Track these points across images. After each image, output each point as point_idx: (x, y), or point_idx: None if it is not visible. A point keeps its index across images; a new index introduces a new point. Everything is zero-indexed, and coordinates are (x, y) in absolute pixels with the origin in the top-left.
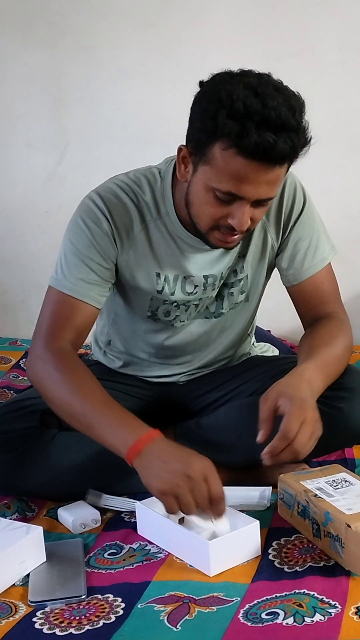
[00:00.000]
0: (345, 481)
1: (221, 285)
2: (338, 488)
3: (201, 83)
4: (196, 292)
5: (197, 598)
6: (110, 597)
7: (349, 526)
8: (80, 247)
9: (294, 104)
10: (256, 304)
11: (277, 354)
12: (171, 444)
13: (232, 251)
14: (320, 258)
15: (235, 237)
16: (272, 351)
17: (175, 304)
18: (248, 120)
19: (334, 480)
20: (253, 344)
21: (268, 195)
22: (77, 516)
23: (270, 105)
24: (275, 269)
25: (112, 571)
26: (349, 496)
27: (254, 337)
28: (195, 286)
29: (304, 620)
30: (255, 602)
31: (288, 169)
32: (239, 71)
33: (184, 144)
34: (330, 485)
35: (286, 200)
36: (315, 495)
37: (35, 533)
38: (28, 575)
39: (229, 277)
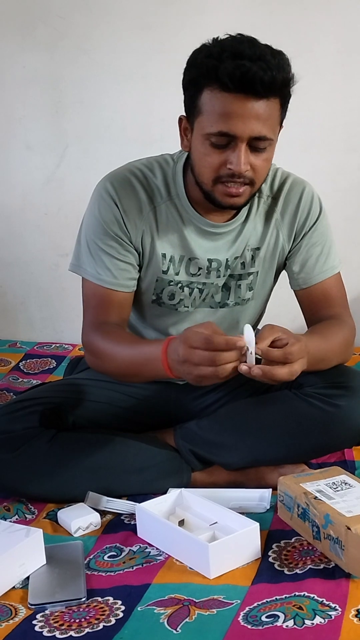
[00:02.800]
0: (345, 483)
1: (228, 276)
2: (338, 490)
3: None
4: (199, 274)
5: (197, 600)
6: (110, 599)
7: (349, 529)
8: (98, 237)
9: (274, 52)
10: (262, 305)
11: None
12: (176, 342)
13: (239, 240)
14: (330, 265)
15: (241, 189)
16: None
17: (179, 284)
18: (223, 53)
19: (334, 483)
20: None
21: (260, 132)
22: (77, 519)
23: (246, 44)
24: (283, 274)
25: (112, 574)
26: (349, 498)
27: None
28: (199, 268)
29: (304, 623)
30: (255, 604)
31: (281, 113)
32: None
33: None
34: (330, 488)
35: (302, 206)
36: (315, 497)
37: (35, 535)
38: (28, 577)
39: (236, 268)
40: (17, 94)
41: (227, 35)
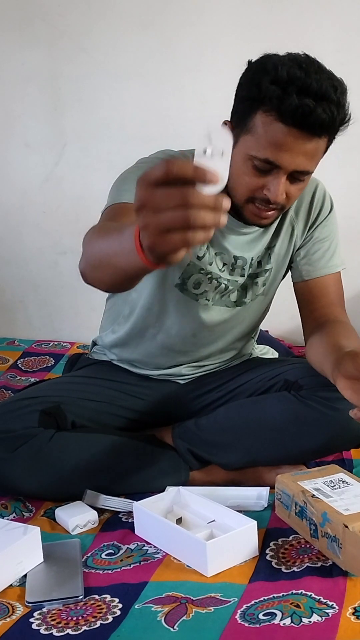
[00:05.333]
0: (343, 481)
1: (247, 277)
2: (336, 488)
3: (249, 61)
4: (224, 270)
5: (194, 598)
6: (108, 597)
7: (346, 527)
8: (134, 176)
9: (336, 84)
10: (269, 302)
11: (277, 356)
12: None
13: (262, 241)
14: (334, 263)
15: (270, 213)
16: (271, 353)
17: (209, 275)
18: (290, 85)
19: (332, 481)
20: (254, 346)
21: (305, 168)
22: (75, 517)
23: (313, 77)
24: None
25: (110, 572)
26: (346, 497)
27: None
28: (224, 264)
29: (301, 621)
30: (252, 602)
31: (326, 148)
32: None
33: (228, 119)
34: (328, 486)
35: (316, 201)
36: (313, 495)
37: (32, 533)
38: (25, 575)
39: (255, 268)
40: (15, 91)
41: (288, 54)
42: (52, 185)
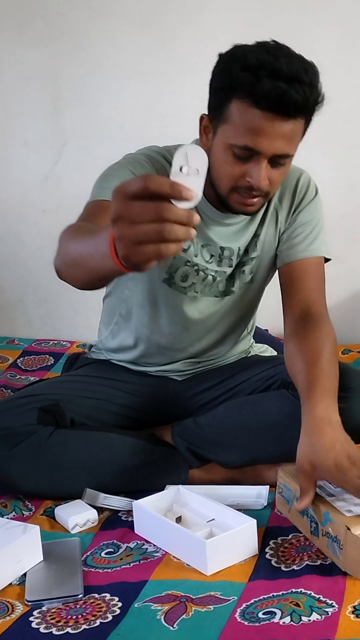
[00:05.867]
0: None
1: (235, 266)
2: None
3: (220, 54)
4: (212, 262)
5: (194, 597)
6: (107, 596)
7: (348, 529)
8: (118, 172)
9: (307, 66)
10: (258, 289)
11: (275, 355)
12: None
13: (248, 230)
14: (316, 247)
15: (255, 200)
16: (270, 352)
17: (196, 267)
18: (261, 70)
19: None
20: (252, 344)
21: (284, 151)
22: (74, 515)
23: (283, 60)
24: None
25: (109, 570)
26: (349, 496)
27: (252, 339)
28: (212, 255)
29: (300, 620)
30: (252, 601)
31: (304, 130)
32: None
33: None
34: (331, 483)
35: (300, 188)
36: (316, 493)
37: (32, 532)
38: (25, 574)
39: (242, 256)
40: (15, 90)
41: (257, 42)
42: (52, 185)
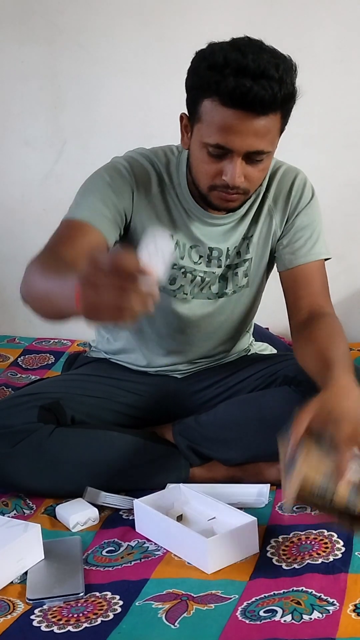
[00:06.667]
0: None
1: (226, 267)
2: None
3: (196, 52)
4: (200, 263)
5: (195, 595)
6: (108, 594)
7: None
8: (97, 188)
9: (279, 61)
10: (255, 293)
11: (276, 352)
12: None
13: (237, 231)
14: (317, 251)
15: (234, 197)
16: (269, 350)
17: (183, 269)
18: (226, 68)
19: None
20: (252, 342)
21: (258, 147)
22: (75, 514)
23: (250, 57)
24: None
25: (110, 569)
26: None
27: (252, 337)
28: (200, 257)
29: (302, 618)
30: (253, 599)
31: (282, 126)
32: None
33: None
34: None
35: (295, 191)
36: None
37: (33, 531)
38: (26, 573)
39: (234, 258)
40: (14, 89)
41: (231, 39)
42: (52, 183)
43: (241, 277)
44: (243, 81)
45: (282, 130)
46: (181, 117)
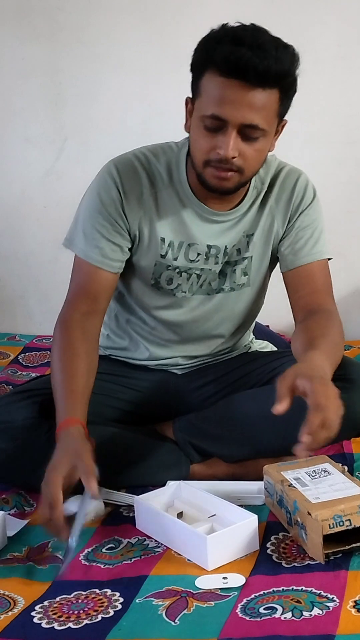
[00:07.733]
0: (325, 471)
1: (225, 263)
2: (315, 478)
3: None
4: (198, 260)
5: (195, 592)
6: (109, 591)
7: (309, 514)
8: (93, 216)
9: (278, 45)
10: (257, 293)
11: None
12: (66, 441)
13: (237, 228)
14: (319, 250)
15: (229, 174)
16: (270, 348)
17: (177, 270)
18: (224, 37)
19: (314, 471)
20: (252, 340)
21: (252, 120)
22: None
23: (250, 32)
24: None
25: (110, 566)
26: (322, 486)
27: (252, 335)
28: (198, 254)
29: (302, 615)
30: (253, 596)
31: (279, 107)
32: None
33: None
34: (309, 475)
35: (297, 191)
36: (290, 484)
37: None
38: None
39: (232, 255)
40: (15, 86)
41: (238, 24)
42: (53, 180)
43: (240, 275)
44: (238, 48)
45: (281, 112)
46: (186, 102)
